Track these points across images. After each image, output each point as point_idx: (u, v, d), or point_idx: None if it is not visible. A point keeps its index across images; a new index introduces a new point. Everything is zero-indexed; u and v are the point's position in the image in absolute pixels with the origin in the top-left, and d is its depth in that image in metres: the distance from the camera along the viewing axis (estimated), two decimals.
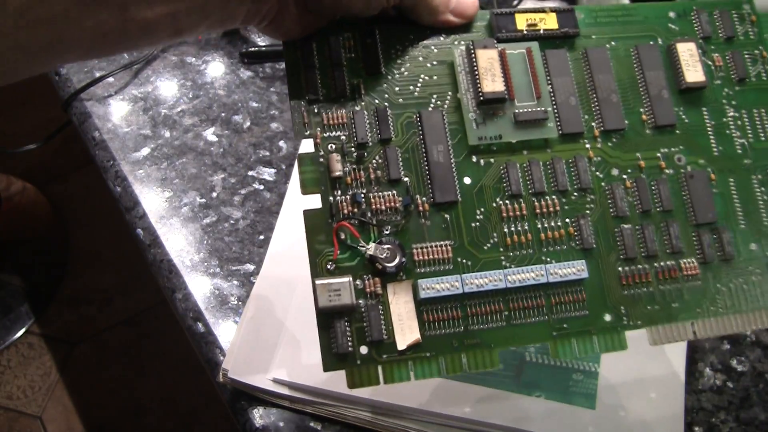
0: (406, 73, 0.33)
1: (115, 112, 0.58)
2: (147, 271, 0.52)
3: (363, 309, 0.30)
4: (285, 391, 0.41)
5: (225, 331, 0.46)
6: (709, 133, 0.34)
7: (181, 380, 1.15)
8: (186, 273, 0.49)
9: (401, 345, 0.30)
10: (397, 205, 0.31)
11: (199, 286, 0.48)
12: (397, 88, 0.33)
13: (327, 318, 0.30)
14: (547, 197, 0.32)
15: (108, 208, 1.14)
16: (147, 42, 0.28)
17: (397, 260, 0.30)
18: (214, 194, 0.53)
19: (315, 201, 0.31)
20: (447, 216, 0.32)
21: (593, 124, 0.33)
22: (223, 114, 0.58)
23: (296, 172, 0.52)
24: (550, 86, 0.33)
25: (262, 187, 0.53)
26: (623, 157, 0.33)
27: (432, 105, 0.32)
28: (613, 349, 0.32)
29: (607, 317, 0.32)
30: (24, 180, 1.39)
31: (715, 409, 0.42)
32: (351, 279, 0.30)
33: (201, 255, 0.49)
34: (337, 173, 0.31)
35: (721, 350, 0.44)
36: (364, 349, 0.30)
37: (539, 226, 0.32)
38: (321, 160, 0.31)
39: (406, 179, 0.32)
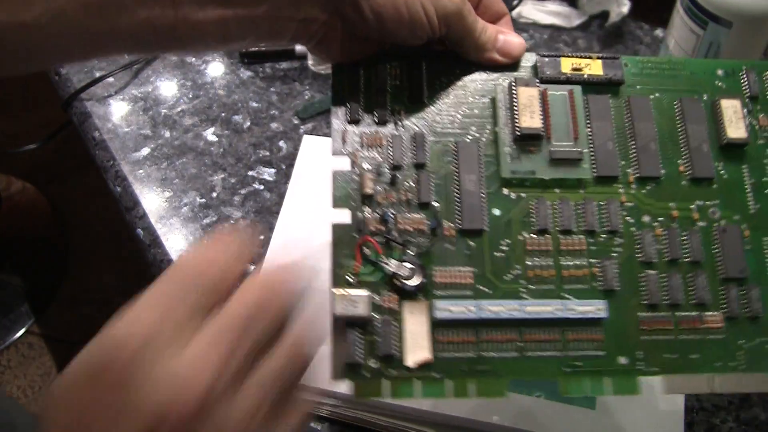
0: (448, 104, 0.34)
1: (115, 112, 0.58)
2: (147, 271, 0.52)
3: (378, 324, 0.31)
4: None
5: None
6: (747, 190, 0.34)
7: None
8: None
9: (410, 362, 0.31)
10: (424, 227, 0.32)
11: None
12: (437, 118, 0.34)
13: (341, 327, 0.31)
14: (574, 236, 0.33)
15: (108, 208, 1.14)
16: (194, 43, 0.28)
17: (417, 280, 0.31)
18: (214, 194, 0.53)
19: (344, 216, 0.32)
20: (472, 243, 0.32)
21: (629, 170, 0.34)
22: (223, 114, 0.58)
23: (296, 173, 0.53)
24: (589, 129, 0.34)
25: (262, 187, 0.53)
26: (656, 205, 0.33)
27: (470, 137, 0.33)
28: (625, 393, 0.31)
29: (623, 360, 0.32)
30: (24, 180, 1.39)
31: (715, 409, 0.42)
32: (369, 293, 0.31)
33: None
34: (369, 191, 0.32)
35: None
36: (373, 363, 0.31)
37: (563, 263, 0.32)
38: (355, 177, 0.32)
39: (436, 204, 0.32)
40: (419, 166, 0.33)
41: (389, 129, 0.33)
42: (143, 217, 0.52)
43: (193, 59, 0.61)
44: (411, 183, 0.33)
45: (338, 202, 0.32)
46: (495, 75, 0.34)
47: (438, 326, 0.31)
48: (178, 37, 0.27)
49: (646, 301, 0.32)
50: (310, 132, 0.56)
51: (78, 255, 1.32)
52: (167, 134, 0.56)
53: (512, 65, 0.35)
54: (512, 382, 0.41)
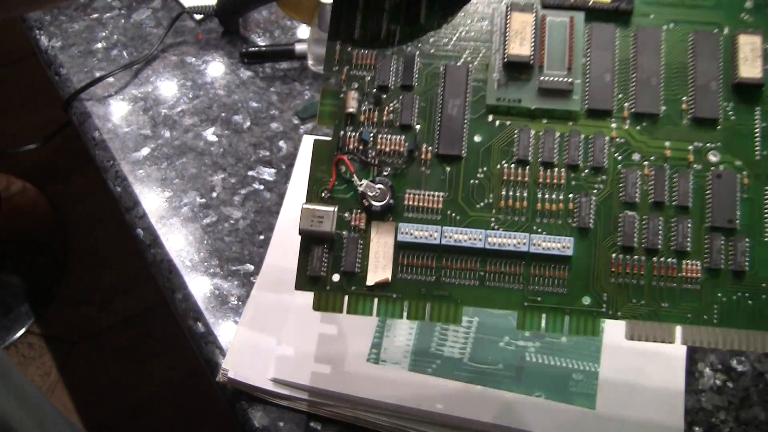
0: (444, 25, 0.33)
1: (115, 112, 0.58)
2: (147, 271, 0.52)
3: (344, 240, 0.31)
4: (285, 391, 0.41)
5: (225, 331, 0.46)
6: (756, 134, 0.32)
7: (181, 380, 1.15)
8: (186, 273, 0.49)
9: (370, 281, 0.31)
10: (402, 149, 0.32)
11: (199, 286, 0.48)
12: (431, 39, 0.33)
13: (308, 242, 0.31)
14: (555, 169, 0.32)
15: (108, 208, 1.14)
16: None
17: (384, 201, 0.31)
18: (214, 194, 0.53)
19: (327, 133, 0.33)
20: (448, 169, 0.32)
21: (626, 104, 0.32)
22: (223, 114, 0.58)
23: (296, 173, 0.53)
24: (587, 59, 0.32)
25: (262, 187, 0.53)
26: (649, 143, 0.32)
27: (462, 60, 0.32)
28: (584, 334, 0.31)
29: (586, 300, 0.31)
30: (24, 180, 1.38)
31: (715, 409, 0.42)
32: (336, 209, 0.31)
33: (201, 255, 0.49)
34: (351, 110, 0.32)
35: (722, 350, 0.44)
36: (335, 277, 0.31)
37: (538, 195, 0.31)
38: (341, 95, 0.32)
39: (417, 126, 0.32)
40: (406, 88, 0.32)
41: (382, 49, 0.33)
42: (143, 217, 0.52)
43: (193, 59, 0.61)
44: (396, 104, 0.32)
45: (323, 119, 0.33)
46: None
47: (401, 248, 0.31)
48: None
49: (620, 242, 0.31)
50: (310, 132, 0.56)
51: (78, 255, 1.32)
52: (167, 134, 0.56)
53: None
54: (513, 379, 0.41)
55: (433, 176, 0.32)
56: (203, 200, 0.52)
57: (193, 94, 0.59)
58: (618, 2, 0.33)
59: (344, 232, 0.32)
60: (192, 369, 1.16)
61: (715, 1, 0.33)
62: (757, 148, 0.32)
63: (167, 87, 0.60)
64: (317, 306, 0.32)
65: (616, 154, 0.32)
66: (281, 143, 0.56)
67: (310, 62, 0.60)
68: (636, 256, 0.31)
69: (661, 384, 0.41)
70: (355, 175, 0.32)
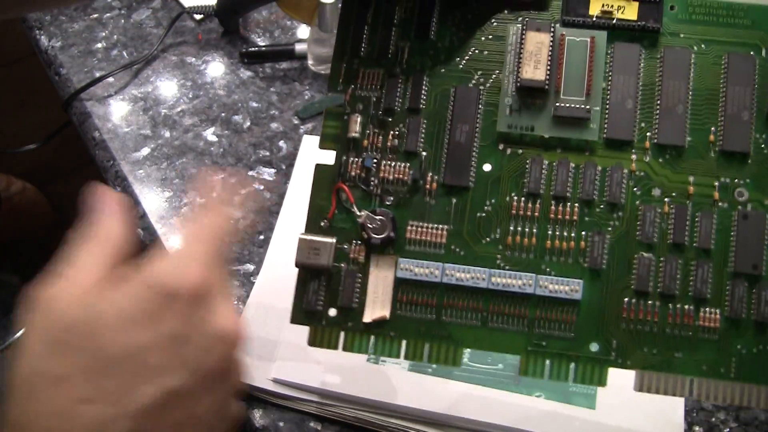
0: (456, 42, 0.30)
1: (115, 112, 0.58)
2: None
3: (342, 273, 0.30)
4: (285, 391, 0.41)
5: None
6: None
7: None
8: None
9: (366, 317, 0.30)
10: (407, 177, 0.30)
11: None
12: (442, 57, 0.30)
13: (305, 274, 0.30)
14: (568, 204, 0.29)
15: None
16: None
17: (384, 234, 0.30)
18: (214, 194, 0.53)
19: (329, 157, 0.31)
20: (453, 200, 0.30)
21: (648, 134, 0.29)
22: (223, 114, 0.58)
23: (296, 173, 0.53)
24: (609, 84, 0.30)
25: (262, 187, 0.53)
26: (671, 177, 0.29)
27: (473, 81, 0.30)
28: (590, 383, 0.29)
29: (594, 347, 0.29)
30: (24, 180, 1.38)
31: (715, 409, 0.42)
32: (335, 241, 0.30)
33: None
34: (354, 134, 0.31)
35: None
36: (332, 312, 0.30)
37: (549, 232, 0.29)
38: (345, 117, 0.31)
39: (424, 153, 0.30)
40: (413, 111, 0.30)
41: (389, 68, 0.31)
42: (143, 217, 0.52)
43: (193, 59, 0.61)
44: (403, 128, 0.30)
45: (324, 142, 0.31)
46: (516, 13, 0.30)
47: (401, 284, 0.30)
48: None
49: (634, 286, 0.29)
50: (310, 132, 0.56)
51: None
52: (167, 134, 0.56)
53: (541, 3, 0.30)
54: (513, 379, 0.41)
55: (437, 207, 0.30)
56: (203, 200, 0.52)
57: (193, 94, 0.59)
58: (645, 20, 0.30)
59: (342, 265, 0.30)
60: None
61: (752, 18, 0.30)
62: None
63: (167, 87, 0.60)
64: (312, 341, 0.31)
65: (635, 189, 0.29)
66: (281, 143, 0.56)
67: (310, 62, 0.60)
68: (650, 302, 0.29)
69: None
70: (354, 205, 0.30)
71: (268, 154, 0.55)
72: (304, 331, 0.44)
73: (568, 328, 0.29)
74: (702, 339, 0.28)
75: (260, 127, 0.57)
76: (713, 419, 0.42)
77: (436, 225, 0.30)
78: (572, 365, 0.29)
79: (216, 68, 0.61)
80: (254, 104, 0.58)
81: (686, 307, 0.29)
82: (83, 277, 0.26)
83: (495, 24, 0.31)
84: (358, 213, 0.30)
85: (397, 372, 0.42)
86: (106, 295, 0.25)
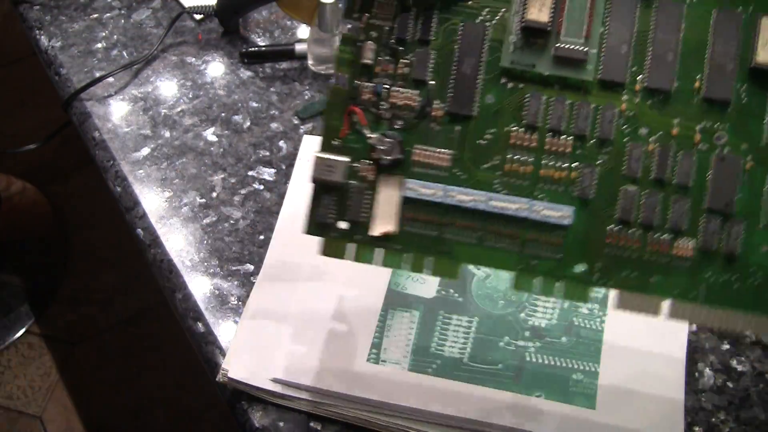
0: None
1: (115, 112, 0.58)
2: (147, 271, 0.52)
3: (352, 190, 0.32)
4: (285, 391, 0.41)
5: (225, 331, 0.46)
6: (766, 120, 0.31)
7: (181, 380, 1.15)
8: (186, 273, 0.49)
9: (374, 231, 0.32)
10: (415, 104, 0.32)
11: (199, 286, 0.48)
12: None
13: (319, 189, 0.32)
14: (562, 137, 0.32)
15: (108, 208, 1.14)
16: None
17: (393, 155, 0.32)
18: (214, 194, 0.53)
19: (342, 80, 0.33)
20: (458, 127, 0.32)
21: (639, 77, 0.32)
22: (223, 114, 0.58)
23: (296, 173, 0.53)
24: (606, 29, 0.32)
25: (262, 187, 0.53)
26: (658, 119, 0.32)
27: (480, 18, 0.32)
28: (573, 299, 0.32)
29: (580, 268, 0.31)
30: (24, 180, 1.38)
31: (715, 409, 0.42)
32: (348, 160, 0.32)
33: (201, 255, 0.49)
34: (367, 61, 0.32)
35: (721, 350, 0.44)
36: (343, 224, 0.32)
37: (543, 162, 0.32)
38: (359, 44, 0.32)
39: (432, 83, 0.32)
40: (422, 42, 0.32)
41: (403, 0, 0.32)
42: (143, 217, 0.52)
43: (193, 59, 0.61)
44: (412, 58, 0.32)
45: (340, 66, 0.33)
46: None
47: (407, 203, 0.32)
48: None
49: (617, 215, 0.31)
50: (310, 132, 0.56)
51: (78, 255, 1.32)
52: (167, 134, 0.56)
53: None
54: (513, 379, 0.41)
55: (442, 133, 0.32)
56: (203, 200, 0.52)
57: (193, 94, 0.59)
58: None
59: (353, 182, 0.32)
60: (192, 369, 1.16)
61: None
62: (766, 133, 0.31)
63: (167, 87, 0.60)
64: (324, 251, 0.33)
65: (624, 127, 0.32)
66: (281, 143, 0.56)
67: (310, 62, 0.60)
68: (632, 230, 0.31)
69: (661, 384, 0.41)
70: (366, 127, 0.32)
71: (268, 154, 0.55)
72: (303, 331, 0.44)
73: (556, 250, 0.32)
74: (676, 266, 0.31)
75: (260, 127, 0.57)
76: (713, 419, 0.42)
77: (440, 149, 0.32)
78: (558, 283, 0.32)
79: (216, 68, 0.61)
80: (254, 104, 0.58)
81: (663, 237, 0.31)
82: None
83: None
84: (369, 134, 0.32)
85: (397, 372, 0.42)
86: None
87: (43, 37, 0.63)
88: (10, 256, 1.32)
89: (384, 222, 0.32)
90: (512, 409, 0.40)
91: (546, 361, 0.42)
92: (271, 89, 0.59)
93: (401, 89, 0.32)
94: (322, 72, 0.60)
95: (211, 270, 0.49)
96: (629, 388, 0.41)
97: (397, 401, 0.40)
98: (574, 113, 0.32)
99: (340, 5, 0.55)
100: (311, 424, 0.42)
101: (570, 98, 0.32)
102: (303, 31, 0.64)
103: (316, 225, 0.33)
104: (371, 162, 0.32)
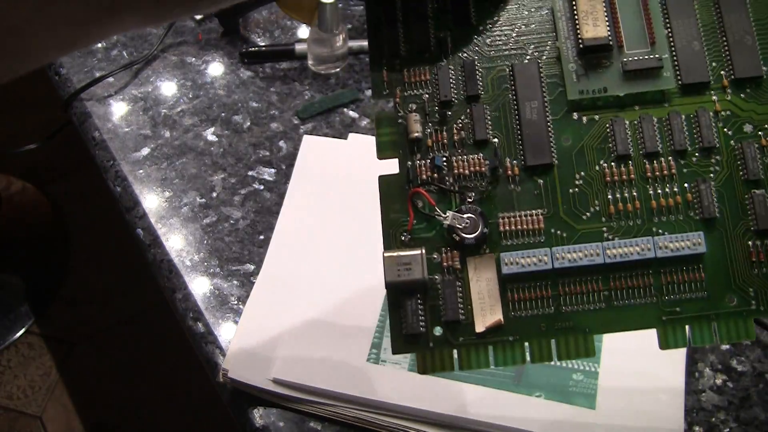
0: (500, 22, 0.29)
1: (115, 112, 0.58)
2: (147, 271, 0.52)
3: (439, 286, 0.27)
4: (285, 391, 0.41)
5: (225, 331, 0.46)
6: None
7: (181, 380, 1.15)
8: (186, 273, 0.49)
9: (480, 327, 0.27)
10: (484, 169, 0.28)
11: (199, 286, 0.48)
12: (488, 40, 0.29)
13: (397, 295, 0.27)
14: (662, 159, 0.28)
15: (108, 208, 1.14)
16: None
17: (477, 231, 0.28)
18: (214, 194, 0.53)
19: (392, 166, 0.28)
20: (540, 181, 0.28)
21: (722, 72, 0.28)
22: (223, 114, 0.58)
23: (296, 173, 0.53)
24: (668, 30, 0.29)
25: (262, 187, 0.53)
26: (759, 110, 0.28)
27: (528, 57, 0.29)
28: (738, 339, 0.27)
29: (732, 300, 0.27)
30: (24, 180, 1.38)
31: (715, 409, 0.42)
32: (424, 251, 0.27)
33: (201, 255, 0.49)
34: (416, 134, 0.28)
35: (721, 350, 0.44)
36: (438, 330, 0.28)
37: (650, 192, 0.28)
38: (400, 121, 0.29)
39: (495, 140, 0.28)
40: (472, 99, 0.29)
41: (435, 62, 0.29)
42: (143, 217, 0.52)
43: (193, 59, 0.61)
44: (464, 119, 0.29)
45: (384, 151, 0.28)
46: None
47: (508, 282, 0.27)
48: None
49: (754, 227, 0.27)
50: (310, 132, 0.56)
51: (78, 255, 1.32)
52: (167, 134, 0.56)
53: None
54: (513, 379, 0.41)
55: (525, 193, 0.28)
56: (203, 200, 0.52)
57: (193, 94, 0.59)
58: None
59: (437, 276, 0.28)
60: (192, 369, 1.15)
61: None
62: None
63: (167, 87, 0.60)
64: (423, 369, 0.28)
65: (726, 129, 0.28)
66: (281, 143, 0.56)
67: (310, 62, 0.60)
68: None
69: (661, 384, 0.41)
70: (437, 208, 0.28)
71: (268, 154, 0.55)
72: (304, 331, 0.44)
73: (699, 286, 0.27)
74: None
75: (260, 127, 0.57)
76: (713, 419, 0.42)
77: (528, 211, 0.28)
78: (714, 325, 0.27)
79: (216, 68, 0.61)
80: (254, 104, 0.58)
81: None
82: None
83: None
84: (443, 215, 0.28)
85: (397, 372, 0.42)
86: None
87: None
88: (10, 256, 1.32)
89: (487, 313, 0.27)
90: (512, 409, 0.40)
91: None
92: (271, 89, 0.59)
93: (463, 156, 0.28)
94: (322, 72, 0.60)
95: (211, 270, 0.49)
96: (629, 388, 0.41)
97: (397, 401, 0.40)
98: (666, 129, 0.28)
99: (340, 5, 0.55)
100: (311, 424, 0.42)
101: (656, 114, 0.28)
102: (303, 31, 0.64)
103: (405, 339, 0.27)
104: (452, 247, 0.28)
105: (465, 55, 0.29)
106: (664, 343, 0.27)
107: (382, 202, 0.28)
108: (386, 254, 0.27)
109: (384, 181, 0.28)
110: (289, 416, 0.42)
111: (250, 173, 0.54)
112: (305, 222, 0.49)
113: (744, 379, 0.43)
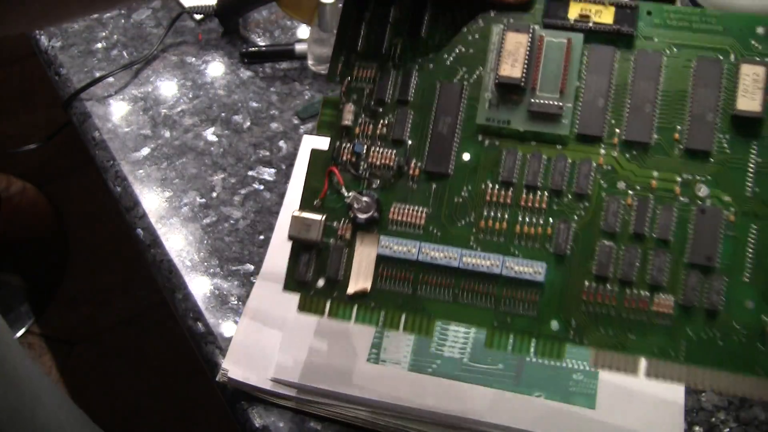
0: (445, 41, 0.33)
1: (115, 112, 0.58)
2: (147, 271, 0.52)
3: (330, 248, 0.33)
4: (285, 391, 0.41)
5: (225, 331, 0.46)
6: (750, 170, 0.30)
7: (181, 380, 1.15)
8: (186, 273, 0.49)
9: (350, 289, 0.33)
10: (392, 163, 0.33)
11: (199, 286, 0.48)
12: (431, 55, 0.33)
13: (297, 247, 0.33)
14: (539, 192, 0.32)
15: (108, 208, 1.14)
16: None
17: (369, 213, 0.32)
18: (214, 194, 0.53)
19: (323, 142, 0.34)
20: (434, 186, 0.33)
21: (617, 130, 0.31)
22: (223, 114, 0.58)
23: (296, 173, 0.53)
24: (583, 83, 0.32)
25: (262, 187, 0.53)
26: (637, 172, 0.31)
27: (458, 77, 0.33)
28: (548, 357, 0.31)
29: (554, 326, 0.31)
30: (24, 180, 1.38)
31: (715, 409, 0.42)
32: (324, 218, 0.33)
33: (201, 255, 0.49)
34: (346, 122, 0.33)
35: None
36: (320, 282, 0.33)
37: (519, 218, 0.32)
38: (341, 107, 0.34)
39: (410, 142, 0.33)
40: (402, 103, 0.33)
41: (383, 63, 0.34)
42: (143, 217, 0.52)
43: (193, 59, 0.61)
44: (391, 118, 0.33)
45: (321, 129, 0.34)
46: (502, 15, 0.33)
47: (381, 260, 0.32)
48: None
49: (595, 271, 0.31)
50: (310, 132, 0.56)
51: (78, 255, 1.32)
52: (167, 134, 0.56)
53: (526, 5, 0.32)
54: (513, 379, 0.41)
55: (419, 192, 0.33)
56: (203, 200, 0.52)
57: (193, 94, 0.59)
58: (620, 24, 0.31)
59: (331, 240, 0.33)
60: (192, 369, 1.15)
61: (724, 25, 0.31)
62: (750, 184, 0.30)
63: (167, 87, 0.60)
64: (302, 307, 0.34)
65: (602, 181, 0.31)
66: (281, 143, 0.56)
67: (310, 62, 0.60)
68: (609, 286, 0.31)
69: (661, 384, 0.41)
70: (344, 187, 0.33)
71: (268, 154, 0.55)
72: (304, 331, 0.44)
73: (531, 307, 0.31)
74: (655, 323, 0.30)
75: (260, 127, 0.57)
76: (713, 419, 0.42)
77: (416, 207, 0.33)
78: (533, 341, 0.31)
79: (216, 68, 0.61)
80: (254, 104, 0.58)
81: (642, 293, 0.31)
82: None
83: (481, 24, 0.33)
84: (346, 194, 0.33)
85: (397, 372, 0.42)
86: None
87: (43, 37, 0.63)
88: (10, 256, 1.32)
89: (360, 280, 0.33)
90: (512, 409, 0.40)
91: (546, 361, 0.42)
92: (271, 89, 0.59)
93: (380, 149, 0.33)
94: (322, 72, 0.60)
95: (211, 270, 0.49)
96: (629, 388, 0.41)
97: (397, 401, 0.40)
98: (550, 168, 0.32)
99: (340, 5, 0.55)
100: (311, 424, 0.42)
101: (546, 153, 0.32)
102: (303, 31, 0.64)
103: (294, 282, 0.33)
104: (348, 221, 0.33)
105: (408, 63, 0.33)
106: (489, 343, 0.31)
107: (308, 170, 0.33)
108: (295, 213, 0.33)
109: (314, 153, 0.34)
110: (288, 416, 0.42)
111: (250, 173, 0.54)
112: None
113: None
